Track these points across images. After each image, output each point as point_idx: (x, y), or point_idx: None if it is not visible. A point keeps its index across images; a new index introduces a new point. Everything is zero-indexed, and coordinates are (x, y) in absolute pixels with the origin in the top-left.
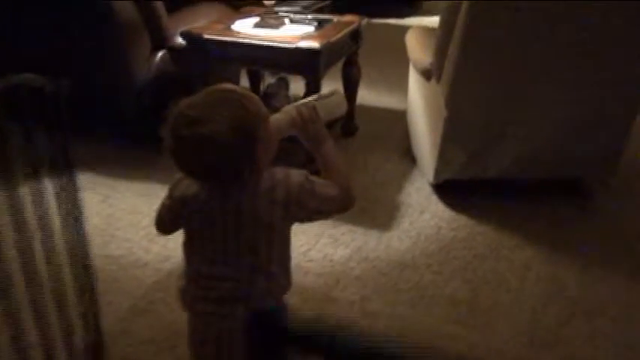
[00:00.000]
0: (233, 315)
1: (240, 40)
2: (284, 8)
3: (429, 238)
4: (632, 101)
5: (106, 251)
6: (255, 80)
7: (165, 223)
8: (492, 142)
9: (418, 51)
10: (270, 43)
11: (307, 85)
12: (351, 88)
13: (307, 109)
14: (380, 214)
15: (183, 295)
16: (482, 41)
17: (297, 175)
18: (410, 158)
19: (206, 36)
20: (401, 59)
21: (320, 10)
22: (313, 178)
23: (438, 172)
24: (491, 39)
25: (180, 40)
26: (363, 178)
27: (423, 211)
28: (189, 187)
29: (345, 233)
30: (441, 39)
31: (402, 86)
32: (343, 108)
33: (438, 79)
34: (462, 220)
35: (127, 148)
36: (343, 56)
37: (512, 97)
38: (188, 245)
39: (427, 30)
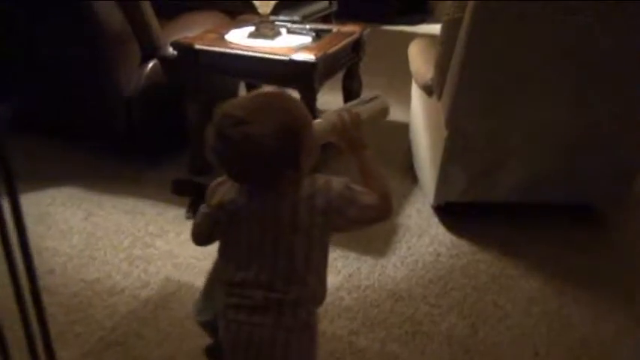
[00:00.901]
0: (263, 324)
1: (233, 52)
2: (281, 17)
3: (426, 266)
4: None
5: (82, 274)
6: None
7: (202, 234)
8: (495, 164)
9: (420, 64)
10: (264, 55)
11: (301, 99)
12: (350, 100)
13: (349, 115)
14: (376, 237)
15: (207, 326)
16: (484, 58)
17: (337, 182)
18: (412, 176)
19: (197, 46)
20: (408, 68)
21: (325, 18)
22: (353, 186)
23: (438, 193)
24: (492, 56)
25: (172, 51)
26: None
27: (422, 235)
28: (227, 192)
29: (337, 258)
30: (442, 54)
31: (407, 97)
32: (386, 113)
33: (439, 96)
34: (463, 245)
35: (116, 161)
36: (342, 69)
37: (514, 116)
38: (223, 252)
39: (430, 43)
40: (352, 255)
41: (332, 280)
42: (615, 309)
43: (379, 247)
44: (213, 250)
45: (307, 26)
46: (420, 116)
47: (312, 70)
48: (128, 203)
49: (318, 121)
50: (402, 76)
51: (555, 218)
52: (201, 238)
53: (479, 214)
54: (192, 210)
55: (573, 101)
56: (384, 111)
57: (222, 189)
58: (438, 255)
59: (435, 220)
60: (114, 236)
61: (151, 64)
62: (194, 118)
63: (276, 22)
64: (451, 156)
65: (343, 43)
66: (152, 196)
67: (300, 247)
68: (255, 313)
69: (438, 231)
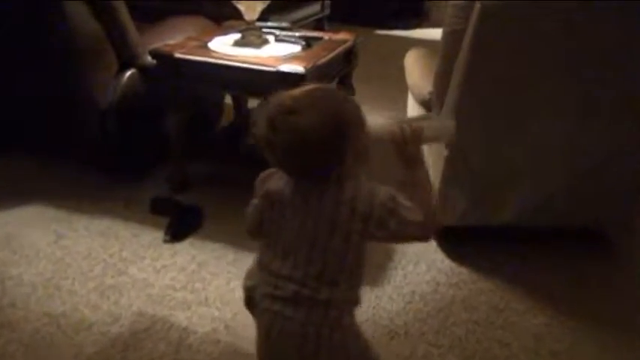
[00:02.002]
0: (294, 318)
1: (216, 61)
2: (269, 24)
3: (424, 297)
4: None
5: (47, 307)
6: (239, 102)
7: (252, 225)
8: (497, 185)
9: (417, 77)
10: (249, 66)
11: None
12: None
13: (411, 129)
14: (370, 263)
15: (250, 292)
16: (487, 73)
17: (382, 191)
18: None
19: (178, 55)
20: (404, 76)
21: (317, 22)
22: (399, 199)
23: (437, 216)
24: (496, 71)
25: (151, 59)
26: None
27: (418, 262)
28: (275, 182)
29: None
30: (441, 68)
31: (403, 106)
32: (451, 137)
33: (438, 112)
34: (464, 273)
35: (91, 177)
36: (334, 79)
37: (518, 135)
38: (265, 239)
39: (428, 53)
40: None
41: None
42: (632, 349)
43: (373, 274)
44: (191, 279)
45: (297, 34)
46: None
47: (301, 82)
48: (102, 224)
49: (378, 123)
50: (397, 84)
51: (562, 244)
52: (252, 229)
53: (480, 238)
54: (172, 232)
55: (580, 118)
56: (449, 135)
57: (272, 179)
58: (437, 284)
59: (433, 245)
60: (84, 262)
61: (128, 74)
62: (174, 132)
63: (264, 29)
64: (451, 177)
65: (335, 52)
66: (128, 215)
67: (336, 248)
68: (287, 305)
69: (436, 257)
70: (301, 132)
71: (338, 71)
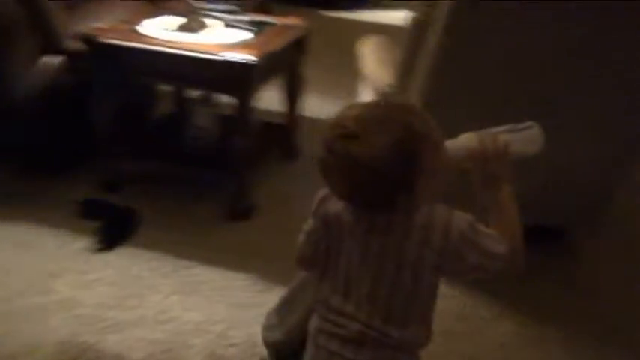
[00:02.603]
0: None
1: (151, 48)
2: (211, 5)
3: None
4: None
5: None
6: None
7: (306, 256)
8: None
9: (374, 68)
10: (191, 54)
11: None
12: (292, 102)
13: (494, 142)
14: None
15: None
16: (457, 67)
17: (461, 219)
18: None
19: (107, 40)
20: (351, 59)
21: (261, 6)
22: (480, 226)
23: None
24: (468, 65)
25: (77, 44)
26: (304, 216)
27: None
28: (335, 204)
29: (277, 294)
30: (406, 60)
31: (351, 92)
32: (537, 146)
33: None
34: None
35: (9, 178)
36: (284, 69)
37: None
38: (321, 271)
39: (385, 42)
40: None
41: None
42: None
43: None
44: (125, 294)
45: (245, 17)
46: None
47: (251, 72)
48: (21, 232)
49: (451, 141)
50: (342, 67)
51: (528, 244)
52: (305, 260)
53: None
54: (104, 239)
55: (550, 116)
56: (539, 145)
57: (331, 200)
58: None
59: None
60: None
61: (50, 61)
62: (103, 126)
63: (208, 12)
64: None
65: (287, 39)
66: (53, 221)
67: (405, 286)
68: (348, 345)
69: None
70: (361, 161)
71: (289, 60)
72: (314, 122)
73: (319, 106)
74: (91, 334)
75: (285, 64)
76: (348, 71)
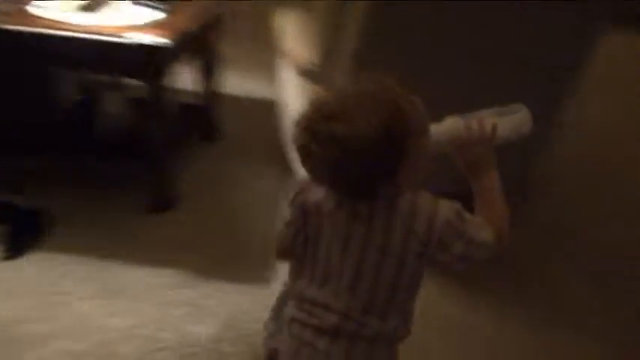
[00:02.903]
0: (329, 354)
1: (41, 30)
2: None
3: None
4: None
5: None
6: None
7: (286, 247)
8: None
9: (295, 44)
10: (92, 36)
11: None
12: (209, 82)
13: (480, 126)
14: (258, 259)
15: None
16: (383, 41)
17: (447, 207)
18: (288, 170)
19: None
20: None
21: None
22: (466, 214)
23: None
24: (394, 38)
25: None
26: (232, 201)
27: None
28: (314, 193)
29: (210, 295)
30: (329, 36)
31: (270, 67)
32: (524, 130)
33: (329, 87)
34: None
35: None
36: (200, 48)
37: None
38: (297, 263)
39: (303, 16)
40: (229, 288)
41: (208, 326)
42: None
43: (264, 271)
44: (41, 304)
45: None
46: (297, 104)
47: (163, 55)
48: None
49: (436, 125)
50: (259, 42)
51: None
52: (284, 251)
53: None
54: (13, 245)
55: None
56: (527, 128)
57: (310, 190)
58: None
59: None
60: None
61: None
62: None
63: None
64: None
65: (202, 17)
66: None
67: (387, 275)
68: (322, 336)
69: None
70: (346, 142)
71: (206, 39)
72: (234, 100)
73: (233, 82)
74: (6, 353)
75: (201, 43)
76: (268, 47)
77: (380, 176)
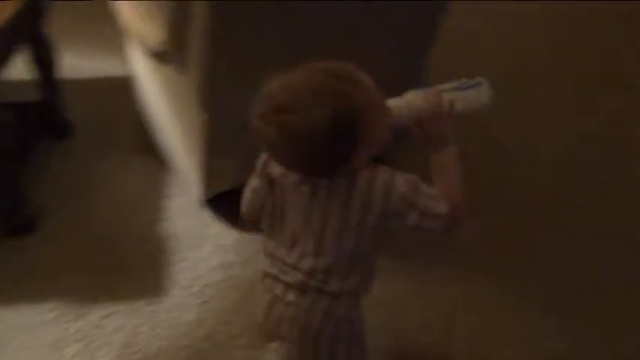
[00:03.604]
0: (298, 305)
1: None
2: None
3: (221, 289)
4: None
5: None
6: None
7: (252, 210)
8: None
9: (140, 21)
10: None
11: None
12: (46, 72)
13: (438, 100)
14: (141, 269)
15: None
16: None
17: (403, 181)
18: (156, 159)
19: None
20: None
21: None
22: (423, 186)
23: (207, 186)
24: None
25: None
26: (101, 204)
27: (200, 245)
28: (279, 166)
29: (101, 322)
30: (175, 13)
31: (119, 42)
32: (483, 103)
33: (182, 68)
34: (255, 241)
35: None
36: (25, 37)
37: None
38: (267, 225)
39: None
40: (122, 308)
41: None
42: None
43: (151, 282)
44: None
45: None
46: (153, 87)
47: None
48: None
49: (394, 100)
50: (101, 15)
51: None
52: (249, 214)
53: None
54: None
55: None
56: (487, 101)
57: (274, 163)
58: (230, 266)
59: (208, 218)
60: None
61: None
62: None
63: None
64: (216, 143)
65: (13, 8)
66: None
67: (347, 244)
68: (291, 290)
69: (218, 232)
70: (297, 134)
71: (29, 27)
72: (82, 84)
73: (82, 63)
74: None
75: (23, 31)
76: (110, 21)
77: (334, 161)
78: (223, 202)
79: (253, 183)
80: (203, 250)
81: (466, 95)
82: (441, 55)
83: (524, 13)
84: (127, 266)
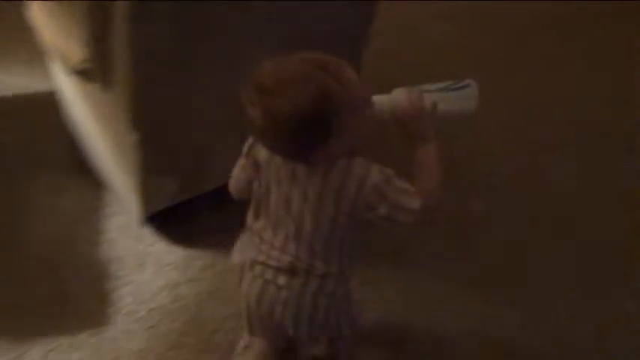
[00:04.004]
0: (290, 287)
1: None
2: None
3: (171, 314)
4: None
5: None
6: None
7: (237, 187)
8: (205, 151)
9: (57, 38)
10: None
11: None
12: None
13: (420, 101)
14: (82, 297)
15: (242, 249)
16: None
17: (377, 173)
18: (90, 177)
19: None
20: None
21: None
22: (397, 181)
23: (145, 205)
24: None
25: None
26: (31, 232)
27: (143, 266)
28: (264, 149)
29: (41, 355)
30: (95, 30)
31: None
32: (472, 106)
33: (107, 87)
34: (200, 256)
35: None
36: None
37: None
38: (254, 205)
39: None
40: (63, 344)
41: None
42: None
43: (92, 308)
44: None
45: None
46: (80, 105)
47: None
48: None
49: (379, 96)
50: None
51: None
52: (235, 190)
53: (198, 211)
54: None
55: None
56: (470, 104)
57: (259, 146)
58: (176, 286)
59: (150, 237)
60: None
61: None
62: None
63: None
64: (151, 163)
65: None
66: None
67: (324, 230)
68: (281, 274)
69: (160, 249)
70: (275, 116)
71: None
72: (5, 102)
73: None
74: None
75: None
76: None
77: (309, 147)
78: (165, 219)
79: (240, 162)
80: (147, 271)
81: (451, 97)
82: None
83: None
84: (67, 296)
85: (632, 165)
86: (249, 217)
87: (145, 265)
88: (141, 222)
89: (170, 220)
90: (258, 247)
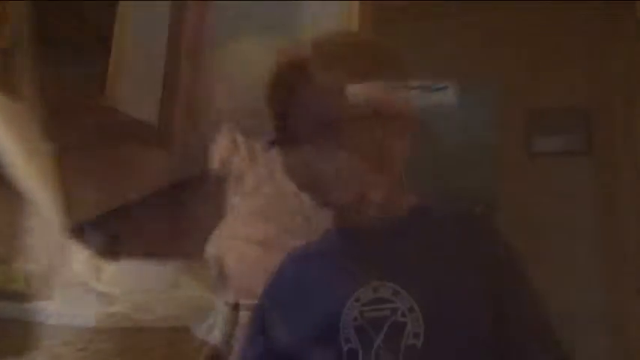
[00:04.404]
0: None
1: None
2: None
3: (104, 332)
4: None
5: None
6: None
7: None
8: None
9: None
10: None
11: None
12: None
13: (397, 96)
14: (6, 322)
15: None
16: None
17: None
18: (8, 186)
19: None
20: None
21: None
22: None
23: (67, 216)
24: None
25: None
26: None
27: (70, 282)
28: None
29: None
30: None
31: None
32: (447, 106)
33: (17, 97)
34: (133, 269)
35: None
36: None
37: None
38: None
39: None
40: None
41: None
42: None
43: (18, 333)
44: None
45: None
46: None
47: None
48: None
49: (356, 86)
50: None
51: None
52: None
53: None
54: None
55: None
56: (447, 105)
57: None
58: (109, 302)
59: (77, 250)
60: None
61: None
62: None
63: None
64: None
65: None
66: None
67: None
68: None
69: (89, 264)
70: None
71: None
72: None
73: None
74: None
75: None
76: None
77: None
78: (91, 230)
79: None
80: (75, 288)
81: (429, 96)
82: None
83: None
84: None
85: None
86: None
87: (72, 281)
88: (65, 235)
89: (96, 231)
90: None
